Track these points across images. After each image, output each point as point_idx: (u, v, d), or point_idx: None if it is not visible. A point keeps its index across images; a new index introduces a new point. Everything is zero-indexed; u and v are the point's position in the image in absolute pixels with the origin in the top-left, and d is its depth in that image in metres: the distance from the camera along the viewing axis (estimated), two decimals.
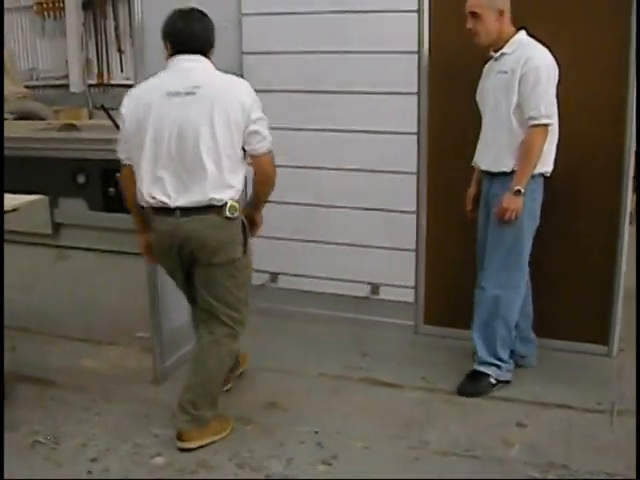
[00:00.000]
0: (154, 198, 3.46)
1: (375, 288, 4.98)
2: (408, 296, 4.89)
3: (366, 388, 4.24)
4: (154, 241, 3.63)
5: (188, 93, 3.38)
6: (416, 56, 4.56)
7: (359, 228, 4.92)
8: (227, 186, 3.42)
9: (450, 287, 4.74)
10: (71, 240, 6.66)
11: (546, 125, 3.82)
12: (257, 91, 3.50)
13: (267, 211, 3.81)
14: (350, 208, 4.91)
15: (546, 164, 3.97)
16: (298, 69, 4.87)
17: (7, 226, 3.99)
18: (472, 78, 4.14)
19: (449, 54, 4.43)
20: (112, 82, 10.62)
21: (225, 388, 4.03)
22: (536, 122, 3.81)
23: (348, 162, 4.84)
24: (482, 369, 4.17)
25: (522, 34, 3.94)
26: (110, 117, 6.90)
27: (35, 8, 10.54)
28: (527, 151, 3.84)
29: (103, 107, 7.17)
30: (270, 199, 3.73)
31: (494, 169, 4.04)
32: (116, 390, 4.22)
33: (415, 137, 4.66)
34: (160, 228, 3.52)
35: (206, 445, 3.59)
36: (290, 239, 5.07)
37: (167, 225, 3.47)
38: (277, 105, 4.53)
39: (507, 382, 4.20)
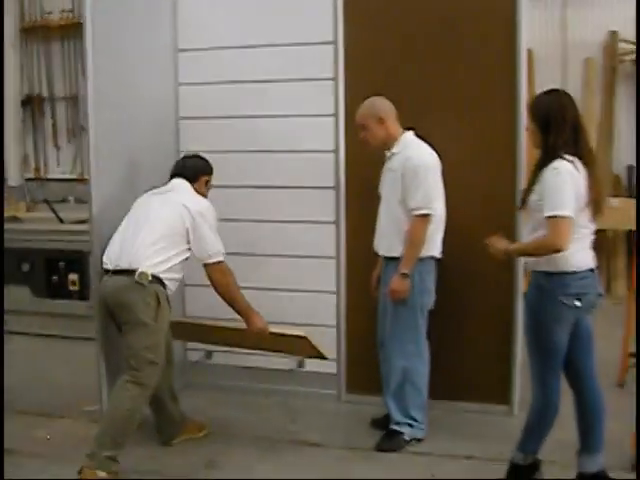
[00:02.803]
0: None
1: (301, 361, 5.43)
2: (331, 368, 5.33)
3: (295, 448, 4.72)
4: None
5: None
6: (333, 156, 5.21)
7: (285, 310, 5.31)
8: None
9: (368, 359, 5.17)
10: (16, 325, 7.06)
11: (425, 215, 4.46)
12: None
13: None
14: (279, 290, 5.38)
15: (434, 248, 4.61)
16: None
17: None
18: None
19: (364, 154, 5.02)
20: (49, 176, 11.03)
21: (171, 442, 4.70)
22: (416, 213, 4.46)
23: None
24: (396, 428, 4.70)
25: (407, 135, 4.62)
26: (53, 210, 7.45)
27: None
28: (410, 238, 4.49)
29: (46, 201, 7.72)
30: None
31: (387, 254, 4.68)
32: (68, 455, 4.59)
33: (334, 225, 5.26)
34: None
35: None
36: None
37: None
38: None
39: (420, 440, 4.72)
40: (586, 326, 3.93)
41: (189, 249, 4.39)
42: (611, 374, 5.68)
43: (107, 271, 4.34)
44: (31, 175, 11.08)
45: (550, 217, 3.64)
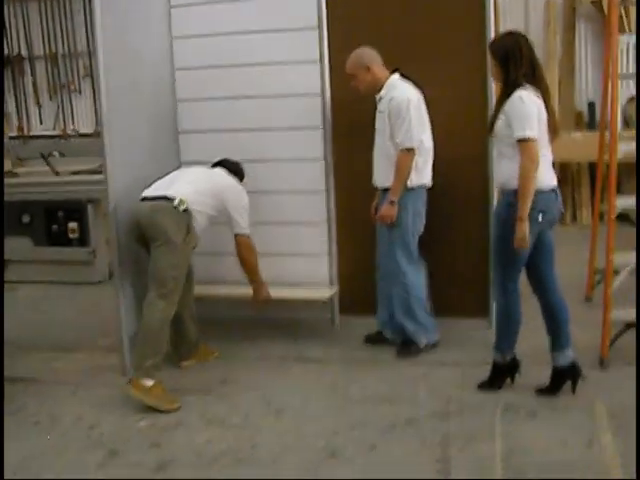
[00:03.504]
0: None
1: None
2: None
3: (299, 364, 5.21)
4: None
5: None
6: (320, 98, 5.58)
7: (279, 240, 5.75)
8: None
9: (358, 283, 5.70)
10: (19, 275, 7.44)
11: (409, 149, 4.91)
12: None
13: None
14: (274, 224, 5.74)
15: (424, 177, 5.08)
16: None
17: None
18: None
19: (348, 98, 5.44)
20: (32, 134, 11.32)
21: (185, 364, 5.20)
22: (401, 147, 4.92)
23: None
24: (411, 337, 5.21)
25: (393, 78, 5.05)
26: (48, 163, 7.81)
27: None
28: (397, 170, 4.95)
29: (42, 155, 8.06)
30: None
31: (382, 185, 5.14)
32: (91, 381, 5.06)
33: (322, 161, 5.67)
34: None
35: (148, 405, 4.47)
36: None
37: None
38: None
39: (435, 345, 5.26)
40: (549, 239, 4.44)
41: (218, 212, 4.99)
42: (579, 291, 6.24)
43: (144, 199, 4.84)
44: (14, 133, 11.41)
45: (520, 140, 4.14)
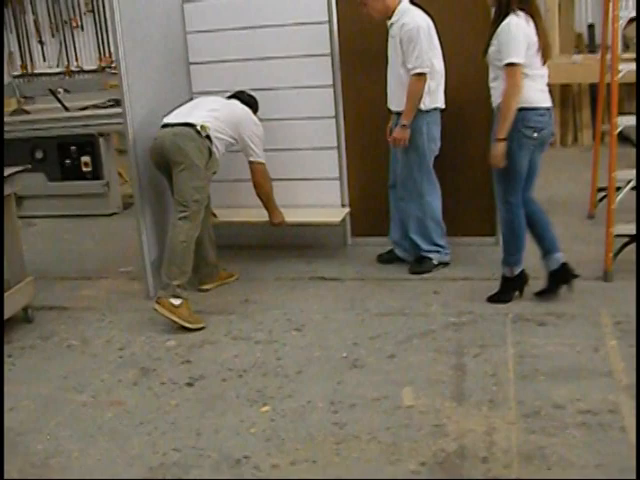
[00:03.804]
0: None
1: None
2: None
3: (315, 283, 5.45)
4: None
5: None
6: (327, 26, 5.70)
7: (294, 166, 5.94)
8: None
9: (368, 205, 5.91)
10: (35, 209, 7.63)
11: (420, 74, 5.04)
12: None
13: None
14: (288, 150, 5.92)
15: (438, 100, 5.22)
16: None
17: None
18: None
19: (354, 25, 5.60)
20: (35, 71, 11.42)
21: (205, 287, 5.42)
22: (412, 72, 5.05)
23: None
24: (425, 254, 5.43)
25: (403, 3, 5.15)
26: (58, 99, 7.92)
27: None
28: (408, 94, 5.09)
29: (51, 91, 8.17)
30: None
31: (395, 109, 5.29)
32: (118, 306, 5.29)
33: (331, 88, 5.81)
34: None
35: (174, 322, 4.70)
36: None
37: None
38: None
39: (447, 264, 5.47)
40: (535, 161, 4.66)
41: (234, 140, 5.18)
42: (583, 209, 6.45)
43: (166, 125, 5.01)
44: (18, 72, 11.52)
45: (507, 65, 4.36)
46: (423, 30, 5.03)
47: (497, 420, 3.45)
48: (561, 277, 4.73)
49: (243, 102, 5.38)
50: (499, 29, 4.39)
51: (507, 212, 4.67)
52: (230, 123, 5.13)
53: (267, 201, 5.44)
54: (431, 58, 5.07)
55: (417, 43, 5.00)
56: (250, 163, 5.27)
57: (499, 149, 4.43)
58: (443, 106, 5.26)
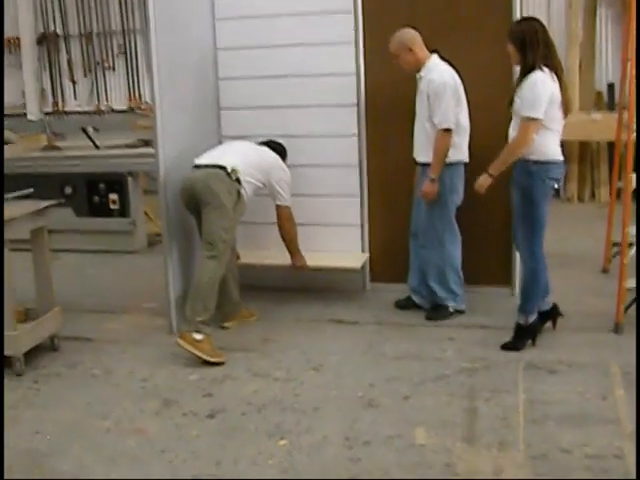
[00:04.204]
0: None
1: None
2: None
3: (334, 325, 5.59)
4: None
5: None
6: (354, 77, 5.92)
7: (317, 213, 6.09)
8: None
9: (388, 253, 6.07)
10: (62, 244, 7.79)
11: (446, 129, 5.23)
12: None
13: None
14: (311, 196, 6.07)
15: (461, 154, 5.41)
16: None
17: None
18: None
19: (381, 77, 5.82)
20: (66, 109, 11.70)
21: (227, 325, 5.56)
22: (438, 127, 5.25)
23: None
24: (442, 302, 5.58)
25: (433, 58, 5.35)
26: (89, 137, 8.15)
27: None
28: (435, 149, 5.29)
29: (83, 129, 8.40)
30: None
31: (422, 161, 5.47)
32: (142, 340, 5.45)
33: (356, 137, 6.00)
34: None
35: (196, 356, 4.84)
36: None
37: None
38: None
39: (462, 312, 5.61)
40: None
41: (263, 184, 5.39)
42: (597, 263, 6.59)
43: (198, 166, 5.24)
44: (49, 109, 11.80)
45: (525, 118, 4.60)
46: (450, 86, 5.21)
47: (506, 461, 3.58)
48: (549, 316, 5.06)
49: (273, 149, 5.58)
50: (525, 83, 4.61)
51: (533, 262, 4.85)
52: (260, 169, 5.34)
53: (290, 244, 5.62)
54: (457, 114, 5.26)
55: (443, 99, 5.18)
56: (277, 207, 5.48)
57: (486, 181, 4.82)
58: (467, 160, 5.43)
